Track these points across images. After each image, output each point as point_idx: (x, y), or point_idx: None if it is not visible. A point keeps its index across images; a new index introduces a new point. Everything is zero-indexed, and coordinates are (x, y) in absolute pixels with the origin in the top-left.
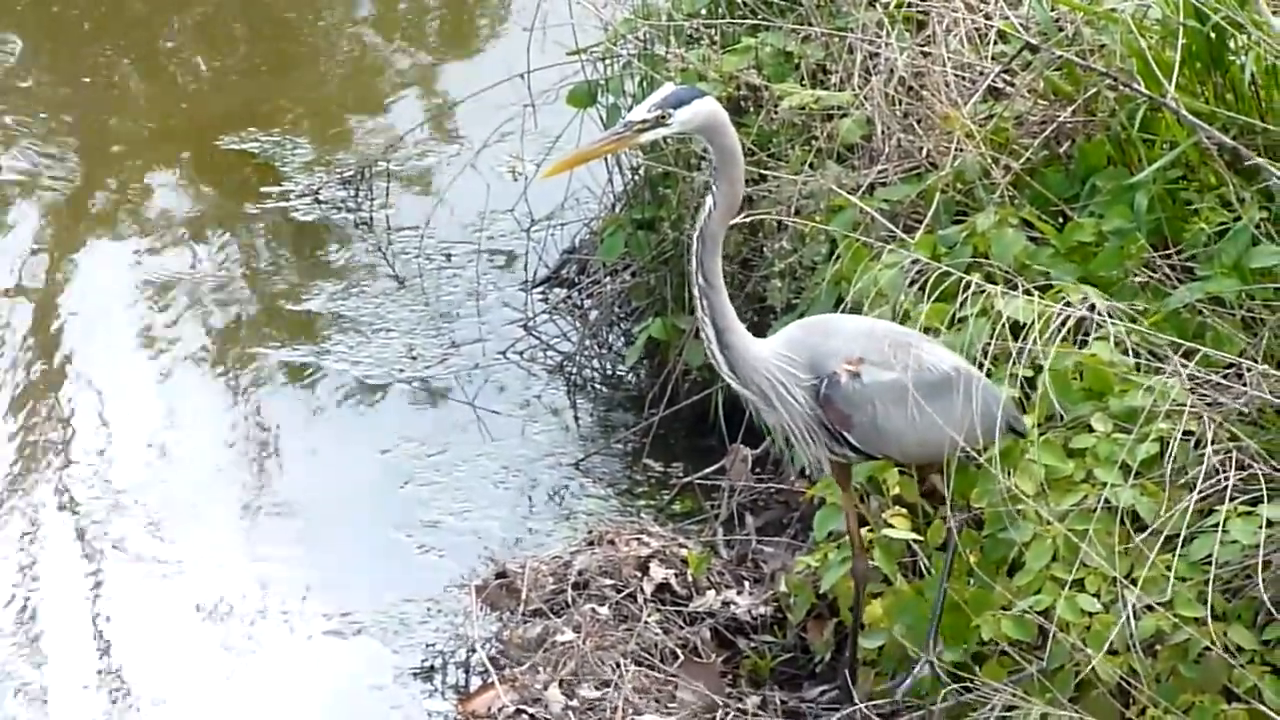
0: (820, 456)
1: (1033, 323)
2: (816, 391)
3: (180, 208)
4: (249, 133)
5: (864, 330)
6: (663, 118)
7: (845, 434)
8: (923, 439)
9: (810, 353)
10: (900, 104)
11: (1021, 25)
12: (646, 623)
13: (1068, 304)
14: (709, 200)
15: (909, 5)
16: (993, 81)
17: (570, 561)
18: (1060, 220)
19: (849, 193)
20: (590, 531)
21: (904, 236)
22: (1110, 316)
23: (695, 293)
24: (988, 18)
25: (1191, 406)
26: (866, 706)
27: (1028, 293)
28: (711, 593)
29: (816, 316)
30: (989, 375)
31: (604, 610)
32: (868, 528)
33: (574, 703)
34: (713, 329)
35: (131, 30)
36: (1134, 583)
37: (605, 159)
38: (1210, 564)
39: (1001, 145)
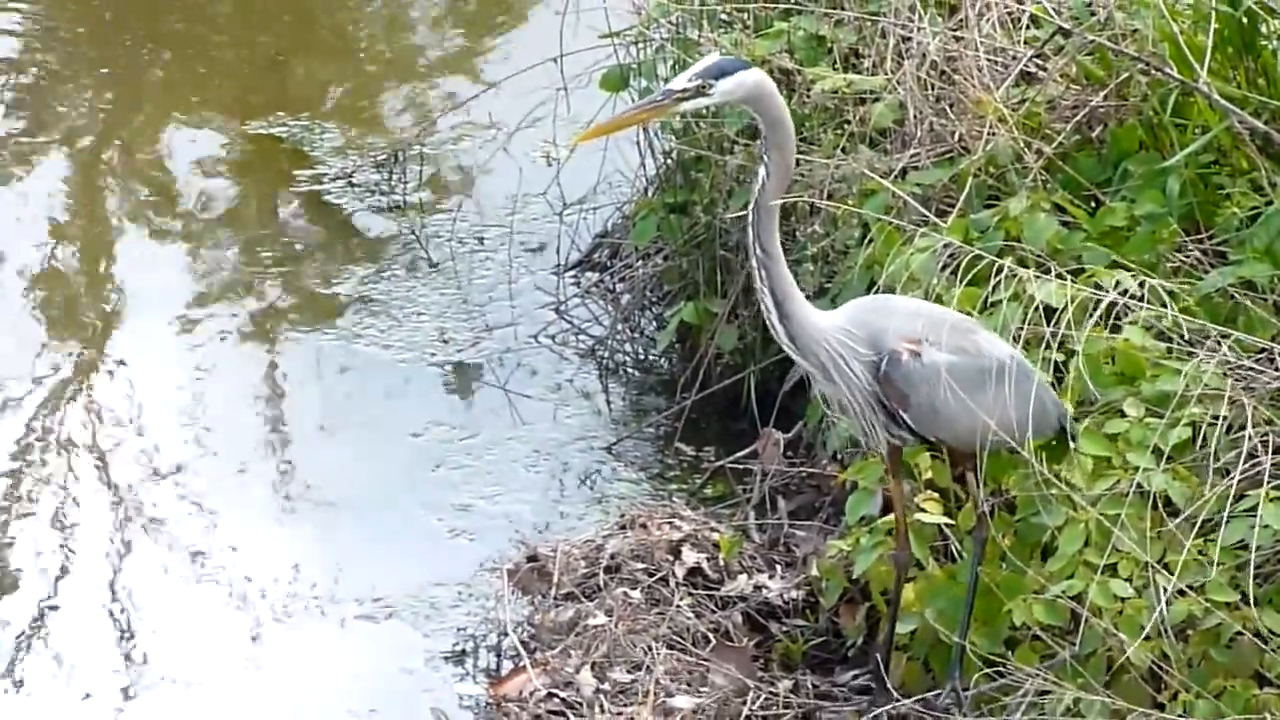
0: (877, 433)
1: (1065, 307)
2: (876, 368)
3: (212, 192)
4: (280, 117)
5: (925, 312)
6: (704, 88)
7: (902, 413)
8: (977, 425)
9: (871, 329)
10: (933, 88)
11: (1054, 10)
12: (678, 606)
13: (1099, 287)
14: (761, 171)
15: None
16: (1025, 66)
17: (602, 545)
18: (1092, 205)
19: (881, 177)
20: (622, 515)
21: (936, 221)
22: (1142, 301)
23: (754, 264)
24: (1020, 2)
25: (1224, 391)
26: (899, 691)
27: (1060, 277)
28: (743, 577)
29: (878, 296)
30: None
31: (636, 594)
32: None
33: (605, 686)
34: (772, 299)
35: (158, 16)
36: (1166, 568)
37: (639, 138)
38: (1243, 549)
39: (1034, 130)
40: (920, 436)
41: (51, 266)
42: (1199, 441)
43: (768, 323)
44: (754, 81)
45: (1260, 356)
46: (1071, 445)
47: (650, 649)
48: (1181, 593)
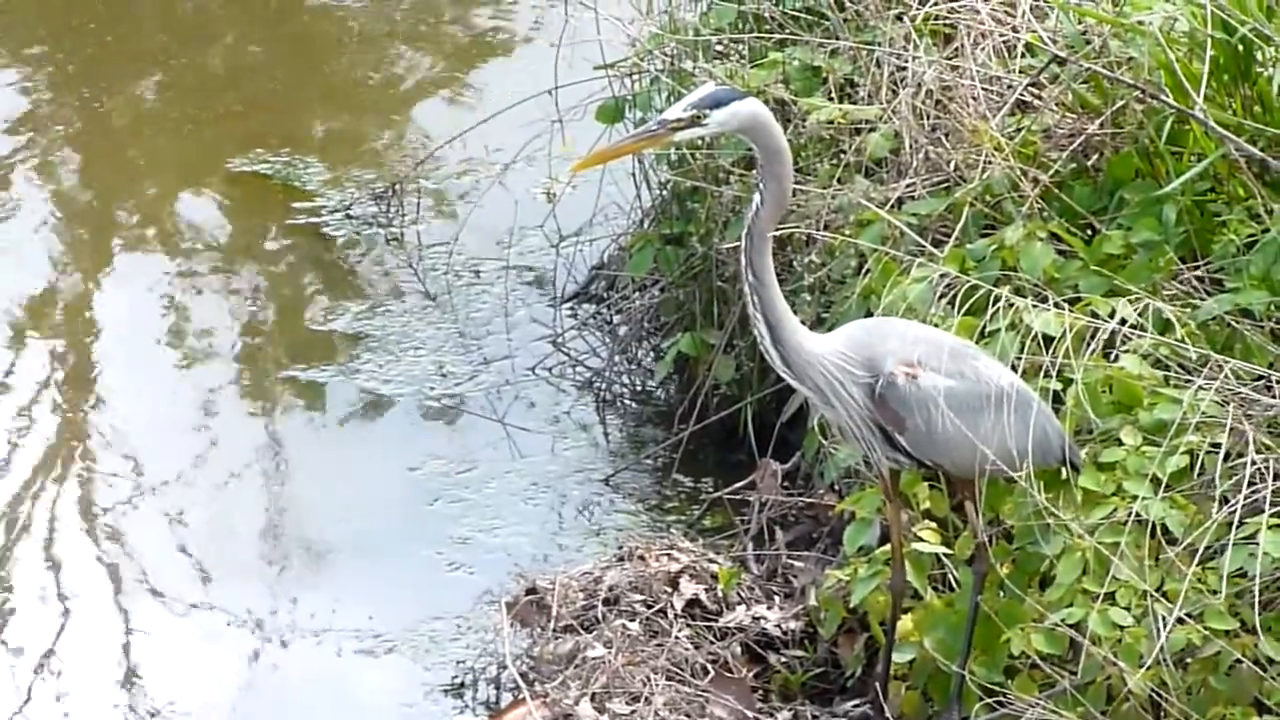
0: (877, 457)
1: (1062, 335)
2: (872, 390)
3: (209, 226)
4: (278, 151)
5: (924, 336)
6: (698, 118)
7: (898, 436)
8: (974, 451)
9: (868, 352)
10: (928, 118)
11: (1049, 38)
12: (677, 638)
13: (1096, 315)
14: (756, 199)
15: (936, 19)
16: (1020, 94)
17: (600, 577)
18: (1089, 233)
19: (877, 207)
20: (620, 547)
21: (933, 250)
22: (1139, 329)
23: (746, 290)
24: (1015, 30)
25: (1221, 418)
26: None
27: (1057, 306)
28: (742, 608)
29: (876, 318)
30: None
31: (634, 626)
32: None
33: (605, 718)
34: (765, 325)
35: (154, 55)
36: (1165, 596)
37: (634, 170)
38: (1241, 577)
39: (1030, 158)
40: (918, 461)
41: (41, 306)
42: (1197, 469)
43: (762, 349)
44: (749, 112)
45: (1258, 383)
46: (1076, 475)
47: (649, 680)
48: (1181, 621)
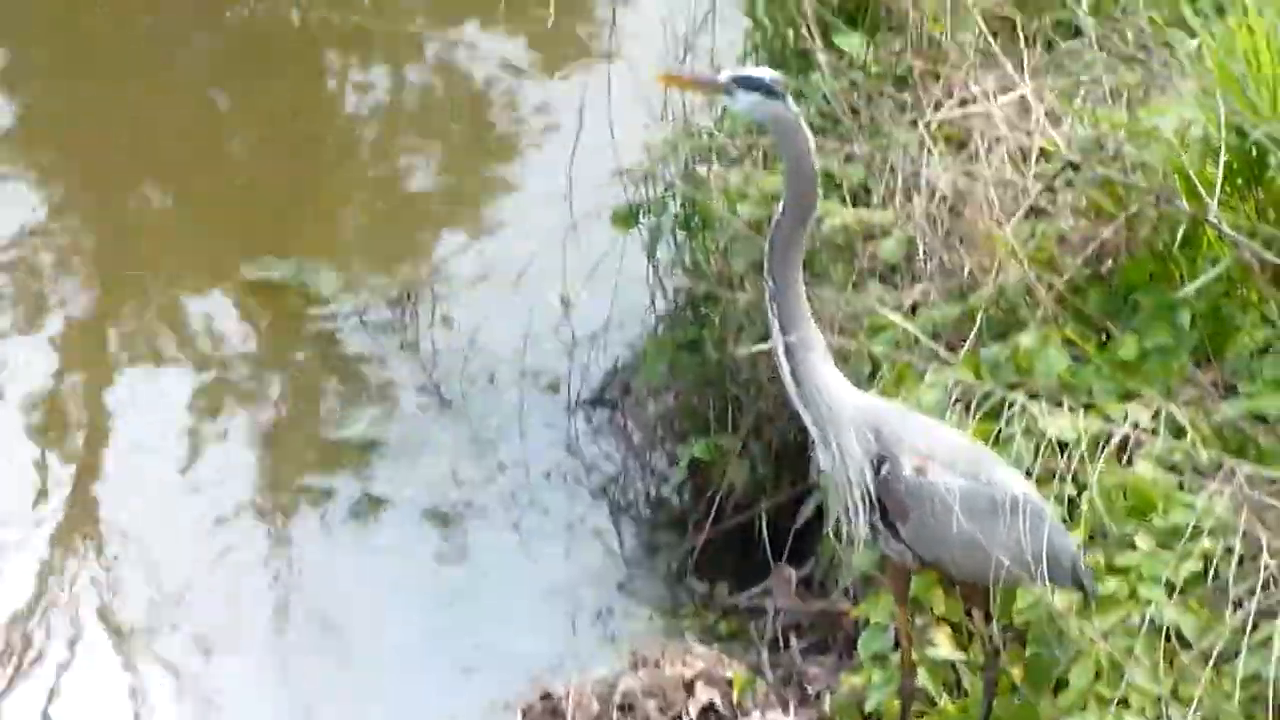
0: (859, 522)
1: (1077, 440)
2: (876, 467)
3: (222, 332)
4: (286, 257)
5: (943, 433)
6: (730, 89)
7: (898, 526)
8: (975, 555)
9: (885, 425)
10: (942, 223)
11: (1063, 143)
12: None
13: (1109, 420)
14: (779, 205)
15: (950, 124)
16: (1035, 200)
17: (615, 683)
18: (1103, 338)
19: (892, 312)
20: (634, 653)
21: (947, 355)
22: (1154, 433)
23: (765, 295)
24: (1029, 136)
25: (1235, 523)
26: None
27: (1071, 410)
28: (757, 713)
29: (904, 406)
30: None
31: None
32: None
33: None
34: (779, 331)
35: (166, 166)
36: (1179, 700)
37: (648, 277)
38: (1256, 681)
39: (1044, 263)
40: (918, 556)
41: (57, 413)
42: (1211, 574)
43: (775, 360)
44: (771, 112)
45: (1272, 488)
46: (1087, 600)
47: None
48: None
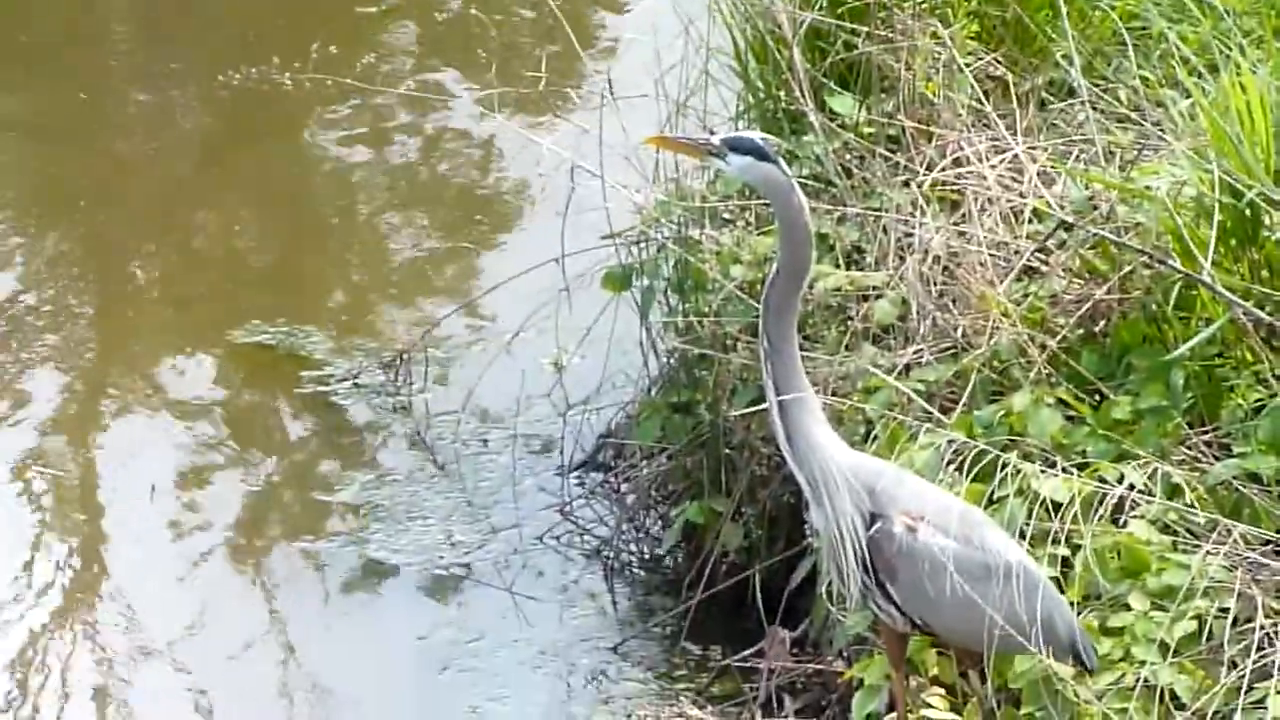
0: (850, 584)
1: (1070, 501)
2: (869, 524)
3: (213, 396)
4: (274, 321)
5: (936, 495)
6: (721, 152)
7: (888, 586)
8: (966, 618)
9: (879, 485)
10: (935, 284)
11: (1056, 204)
12: None
13: (1103, 480)
14: (774, 266)
15: (943, 185)
16: (1028, 260)
17: None
18: (1097, 398)
19: (885, 373)
20: (629, 715)
21: (940, 416)
22: (1148, 493)
23: (760, 354)
24: (1022, 196)
25: (1230, 583)
26: None
27: (1065, 471)
28: None
29: (898, 467)
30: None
31: None
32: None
33: None
34: (773, 391)
35: (157, 230)
36: None
37: (641, 339)
38: None
39: (1037, 324)
40: (908, 617)
41: (46, 478)
42: (1205, 634)
43: (769, 420)
44: (762, 175)
45: (1266, 548)
46: (1085, 672)
47: None
48: None
